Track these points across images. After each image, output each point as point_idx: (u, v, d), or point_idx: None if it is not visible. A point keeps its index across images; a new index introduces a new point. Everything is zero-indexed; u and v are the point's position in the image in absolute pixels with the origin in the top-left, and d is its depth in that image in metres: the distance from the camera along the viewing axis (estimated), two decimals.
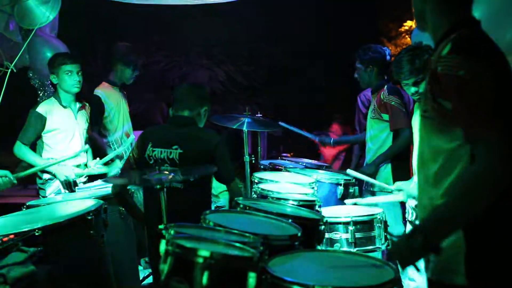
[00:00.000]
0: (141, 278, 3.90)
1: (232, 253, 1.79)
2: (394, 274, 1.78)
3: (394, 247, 1.78)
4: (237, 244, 1.85)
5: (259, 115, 4.52)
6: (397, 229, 3.74)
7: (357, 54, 4.23)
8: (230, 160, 3.11)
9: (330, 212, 3.18)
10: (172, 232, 1.88)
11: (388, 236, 3.18)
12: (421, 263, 1.80)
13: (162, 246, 1.80)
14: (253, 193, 3.24)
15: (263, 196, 3.07)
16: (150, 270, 3.92)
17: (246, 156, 3.96)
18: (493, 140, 1.59)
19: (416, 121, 3.37)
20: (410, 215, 3.26)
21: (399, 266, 1.81)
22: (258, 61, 9.67)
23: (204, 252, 1.71)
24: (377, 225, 3.10)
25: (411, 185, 3.22)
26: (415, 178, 3.27)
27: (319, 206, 2.96)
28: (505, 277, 1.69)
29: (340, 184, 3.72)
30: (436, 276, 1.82)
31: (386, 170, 4.06)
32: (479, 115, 1.61)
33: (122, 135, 4.60)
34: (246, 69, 9.62)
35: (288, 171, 3.89)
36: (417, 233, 1.68)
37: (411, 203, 3.26)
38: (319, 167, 4.42)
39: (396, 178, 3.86)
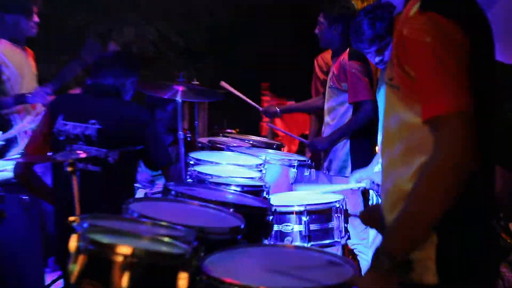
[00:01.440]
0: (48, 283, 3.82)
1: (159, 249, 1.77)
2: (354, 272, 1.80)
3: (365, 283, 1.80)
4: (166, 239, 1.83)
5: (196, 83, 4.48)
6: (357, 219, 3.81)
7: (323, 7, 4.23)
8: (163, 141, 3.08)
9: (280, 200, 3.20)
10: (85, 224, 1.84)
11: (349, 228, 3.23)
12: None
13: (73, 242, 1.76)
14: (187, 177, 3.22)
15: (199, 181, 3.06)
16: (60, 272, 3.84)
17: (180, 132, 3.92)
18: (455, 123, 1.62)
19: (381, 93, 3.42)
20: (374, 201, 3.32)
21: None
22: (198, 17, 9.55)
23: (124, 249, 1.69)
24: (336, 215, 3.14)
25: (376, 169, 3.27)
26: (380, 159, 3.32)
27: (267, 193, 2.98)
28: (479, 272, 1.73)
29: (294, 166, 3.75)
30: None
31: (344, 150, 4.11)
32: (441, 90, 1.64)
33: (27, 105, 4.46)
34: (183, 26, 9.48)
35: (231, 151, 3.89)
36: (381, 256, 1.69)
37: (373, 191, 3.32)
38: (268, 146, 4.44)
39: (355, 160, 3.92)
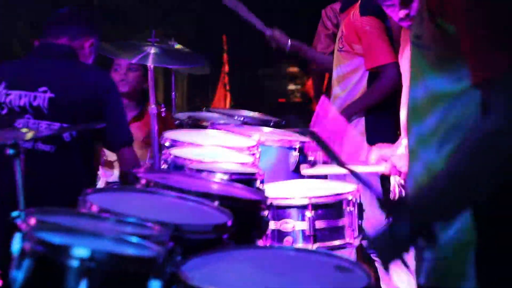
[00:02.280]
0: None
1: (124, 252, 1.77)
2: (368, 280, 1.82)
3: (372, 241, 1.82)
4: (133, 239, 1.83)
5: (174, 43, 4.47)
6: (375, 216, 3.83)
7: None
8: (125, 115, 3.08)
9: (278, 191, 3.22)
10: (32, 221, 1.84)
11: (363, 226, 3.25)
12: (410, 258, 1.85)
13: (17, 243, 1.76)
14: (162, 162, 3.22)
15: (176, 167, 3.07)
16: None
17: (152, 106, 3.92)
18: None
19: (405, 55, 3.42)
20: (397, 194, 3.33)
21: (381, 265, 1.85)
22: None
23: (81, 251, 1.69)
24: (348, 209, 3.15)
25: (399, 151, 3.28)
26: (404, 139, 3.33)
27: (262, 182, 2.98)
28: None
29: (295, 149, 3.76)
30: (433, 282, 1.87)
31: (357, 130, 4.12)
32: (495, 46, 1.64)
33: None
34: None
35: (217, 129, 3.88)
36: (403, 215, 1.71)
37: (397, 178, 3.33)
38: (265, 123, 4.45)
39: (372, 143, 3.94)
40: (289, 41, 4.82)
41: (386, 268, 1.86)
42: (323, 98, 3.64)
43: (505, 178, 1.66)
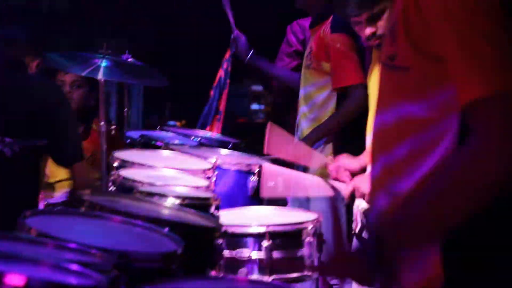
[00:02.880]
0: None
1: (64, 280, 1.74)
2: None
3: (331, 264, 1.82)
4: (74, 266, 1.80)
5: (128, 56, 4.46)
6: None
7: None
8: (77, 130, 3.06)
9: (234, 217, 3.22)
10: None
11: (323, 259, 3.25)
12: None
13: None
14: (110, 183, 3.20)
15: (125, 189, 3.05)
16: None
17: (102, 123, 3.89)
18: (505, 106, 1.61)
19: (374, 78, 3.44)
20: (359, 225, 3.34)
21: None
22: None
23: (15, 279, 1.66)
24: (308, 240, 3.15)
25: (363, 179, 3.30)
26: (369, 166, 3.34)
27: (217, 207, 2.98)
28: None
29: (254, 173, 3.76)
30: None
31: (324, 154, 4.14)
32: (486, 66, 1.63)
33: None
34: None
35: (171, 150, 3.88)
36: (369, 240, 1.71)
37: (360, 206, 3.34)
38: (222, 145, 4.44)
39: None
40: (252, 51, 4.83)
41: None
42: (269, 125, 3.64)
43: (479, 214, 1.64)
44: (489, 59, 1.63)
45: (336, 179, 3.49)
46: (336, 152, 4.10)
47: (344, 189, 3.34)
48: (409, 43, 1.74)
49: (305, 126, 4.26)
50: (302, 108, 4.33)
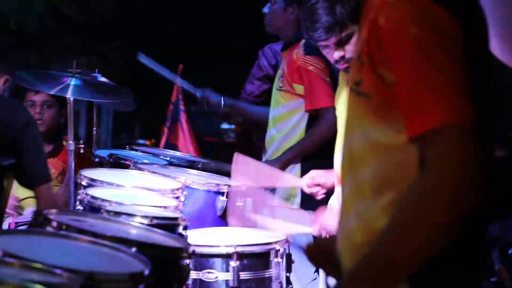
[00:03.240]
0: None
1: None
2: None
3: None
4: (39, 287, 1.79)
5: (98, 74, 4.45)
6: (306, 267, 3.85)
7: None
8: (43, 151, 3.05)
9: (202, 238, 3.22)
10: None
11: (293, 279, 3.26)
12: None
13: None
14: (77, 202, 3.19)
15: (92, 209, 3.04)
16: None
17: (70, 142, 3.88)
18: (457, 139, 1.63)
19: (342, 100, 3.47)
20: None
21: None
22: None
23: None
24: (276, 260, 3.17)
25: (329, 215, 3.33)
26: (338, 186, 3.37)
27: (185, 228, 2.98)
28: None
29: (222, 194, 3.76)
30: None
31: (292, 174, 4.16)
32: (436, 97, 1.65)
33: None
34: None
35: (140, 169, 3.88)
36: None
37: (333, 206, 3.36)
38: (191, 165, 4.44)
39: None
40: (222, 100, 4.85)
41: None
42: (236, 155, 3.67)
43: (441, 241, 1.64)
44: (440, 91, 1.65)
45: (311, 194, 3.53)
46: (304, 173, 4.12)
47: (311, 229, 3.38)
48: (372, 71, 1.77)
49: (273, 148, 4.27)
50: (271, 131, 4.33)
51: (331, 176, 3.42)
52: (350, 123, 1.93)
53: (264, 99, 4.89)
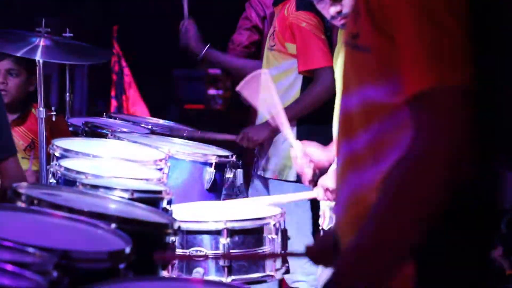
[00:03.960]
0: None
1: None
2: None
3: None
4: (9, 267, 1.78)
5: (69, 35, 4.43)
6: (302, 243, 3.86)
7: None
8: (7, 121, 3.03)
9: (189, 213, 3.23)
10: None
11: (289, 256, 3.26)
12: None
13: None
14: (50, 175, 3.19)
15: (67, 182, 3.04)
16: None
17: (41, 109, 3.86)
18: (451, 101, 1.64)
19: (340, 62, 3.46)
20: (326, 221, 3.36)
21: None
22: None
23: None
24: (270, 237, 3.17)
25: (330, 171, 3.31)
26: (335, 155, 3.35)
27: (170, 202, 2.98)
28: None
29: (210, 164, 3.76)
30: None
31: (287, 142, 4.14)
32: (435, 55, 1.67)
33: None
34: None
35: (118, 138, 3.87)
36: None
37: (326, 201, 3.35)
38: (176, 133, 4.43)
39: None
40: (207, 46, 4.75)
41: None
42: (264, 71, 3.60)
43: (438, 211, 1.66)
44: (440, 50, 1.66)
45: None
46: (300, 138, 4.11)
47: (315, 193, 3.36)
48: (370, 22, 1.77)
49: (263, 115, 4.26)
50: None
51: (327, 154, 3.38)
52: (347, 82, 1.93)
53: (254, 52, 4.84)
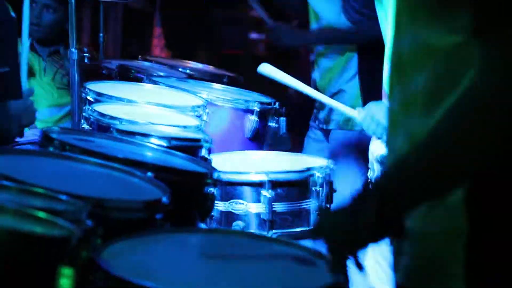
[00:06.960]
0: None
1: (29, 229, 1.75)
2: (335, 277, 1.83)
3: (319, 223, 1.87)
4: (41, 214, 1.80)
5: None
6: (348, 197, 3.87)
7: None
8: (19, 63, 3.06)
9: (229, 163, 3.26)
10: None
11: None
12: (367, 257, 1.87)
13: None
14: (82, 120, 3.22)
15: (101, 127, 3.07)
16: None
17: (73, 50, 3.87)
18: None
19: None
20: (375, 174, 3.35)
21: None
22: None
23: None
24: (315, 189, 3.18)
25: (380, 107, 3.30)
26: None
27: (209, 151, 2.99)
28: None
29: (252, 112, 3.76)
30: (414, 282, 1.88)
31: (353, 88, 4.12)
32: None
33: None
34: None
35: (154, 83, 3.88)
36: (368, 196, 1.72)
37: (375, 150, 3.34)
38: (216, 79, 4.44)
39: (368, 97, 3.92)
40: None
41: (334, 267, 1.84)
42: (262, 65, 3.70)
43: (502, 151, 1.65)
44: None
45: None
46: (364, 90, 4.11)
47: (358, 115, 3.37)
48: None
49: (325, 65, 4.24)
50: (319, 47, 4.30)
51: None
52: (398, 24, 1.91)
53: None
